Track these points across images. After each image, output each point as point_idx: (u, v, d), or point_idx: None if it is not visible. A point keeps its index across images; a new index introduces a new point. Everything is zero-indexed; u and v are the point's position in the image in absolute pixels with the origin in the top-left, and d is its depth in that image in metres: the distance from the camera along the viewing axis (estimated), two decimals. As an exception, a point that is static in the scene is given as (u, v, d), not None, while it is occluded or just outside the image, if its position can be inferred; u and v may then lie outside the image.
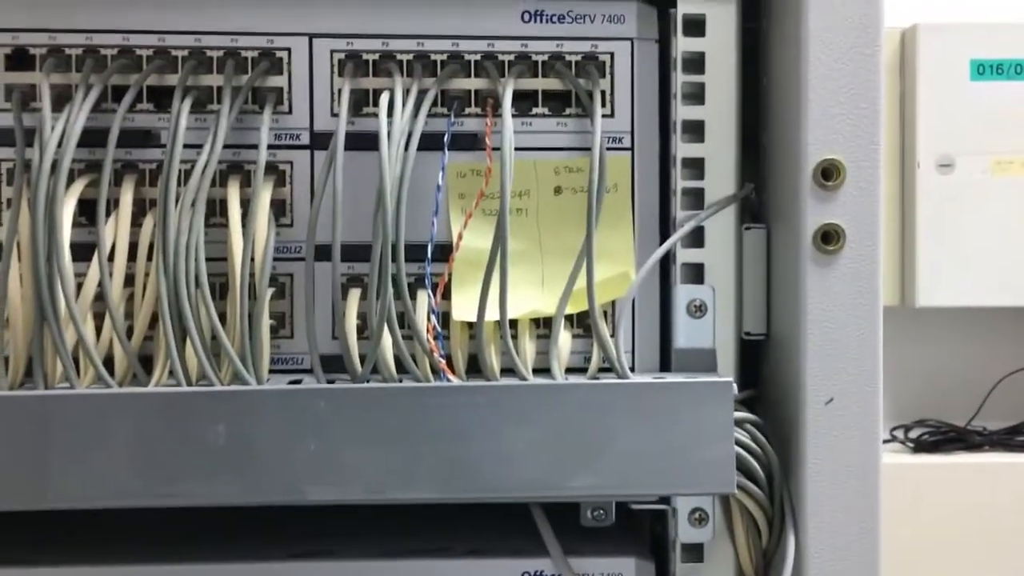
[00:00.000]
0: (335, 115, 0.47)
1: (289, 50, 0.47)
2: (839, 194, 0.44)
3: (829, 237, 0.44)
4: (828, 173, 0.44)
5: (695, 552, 0.49)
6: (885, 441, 0.84)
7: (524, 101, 0.47)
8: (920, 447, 0.90)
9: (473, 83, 0.47)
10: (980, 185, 1.18)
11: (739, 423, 0.45)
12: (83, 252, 0.44)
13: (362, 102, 0.47)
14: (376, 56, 0.47)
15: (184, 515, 0.51)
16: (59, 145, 0.43)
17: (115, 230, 0.45)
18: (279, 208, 0.47)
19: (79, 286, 0.44)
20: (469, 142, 0.47)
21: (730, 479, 0.43)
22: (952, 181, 1.15)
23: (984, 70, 1.17)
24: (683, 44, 0.48)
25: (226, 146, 0.45)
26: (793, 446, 0.46)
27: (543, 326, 0.47)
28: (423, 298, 0.46)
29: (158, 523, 0.52)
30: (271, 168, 0.46)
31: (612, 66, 0.48)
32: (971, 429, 0.97)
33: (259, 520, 0.51)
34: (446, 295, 0.46)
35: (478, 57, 0.47)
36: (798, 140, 0.44)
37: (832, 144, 0.44)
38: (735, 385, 0.43)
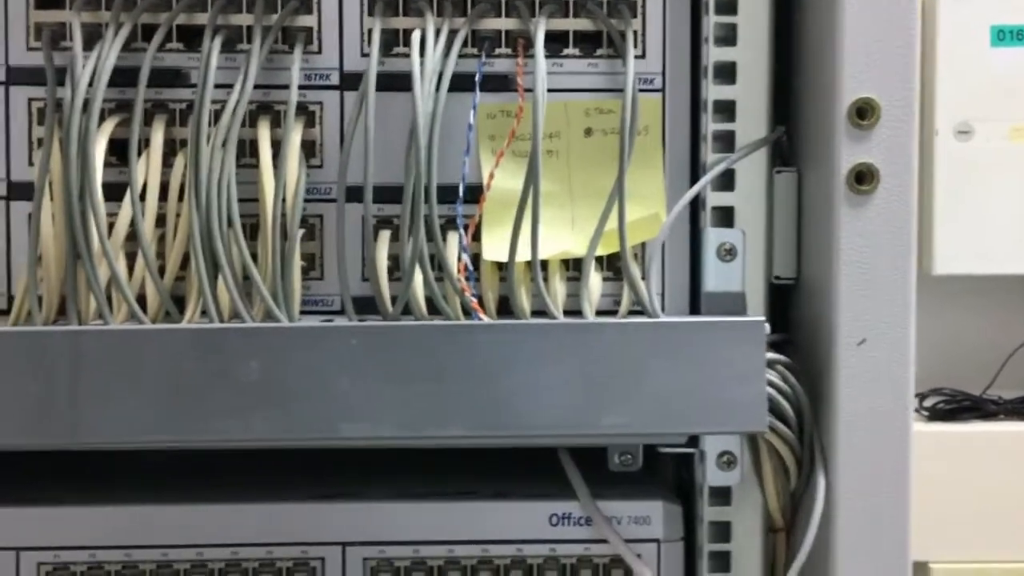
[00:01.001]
0: (365, 55, 0.46)
1: (319, -11, 0.46)
2: (873, 133, 0.44)
3: (863, 177, 0.44)
4: (863, 112, 0.44)
5: (723, 496, 0.49)
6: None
7: (555, 42, 0.47)
8: (935, 415, 0.90)
9: (504, 23, 0.47)
10: (998, 152, 1.17)
11: (770, 364, 0.45)
12: (115, 192, 0.44)
13: (392, 42, 0.46)
14: (406, -5, 0.47)
15: (214, 455, 0.51)
16: (90, 84, 0.43)
17: (146, 169, 0.44)
18: (309, 149, 0.46)
19: (111, 225, 0.44)
20: (500, 83, 0.47)
21: (762, 418, 0.43)
22: (970, 148, 1.14)
23: (1004, 36, 1.16)
24: (715, -16, 0.47)
25: (256, 86, 0.45)
26: (824, 388, 0.46)
27: (573, 268, 0.47)
28: (454, 239, 0.45)
29: (188, 462, 0.52)
30: (301, 109, 0.46)
31: (644, 6, 0.47)
32: (987, 398, 0.96)
33: (287, 461, 0.51)
34: (476, 236, 0.46)
35: (508, -3, 0.47)
36: (832, 79, 0.44)
37: (867, 83, 0.44)
38: (767, 324, 0.43)
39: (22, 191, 0.45)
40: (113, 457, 0.50)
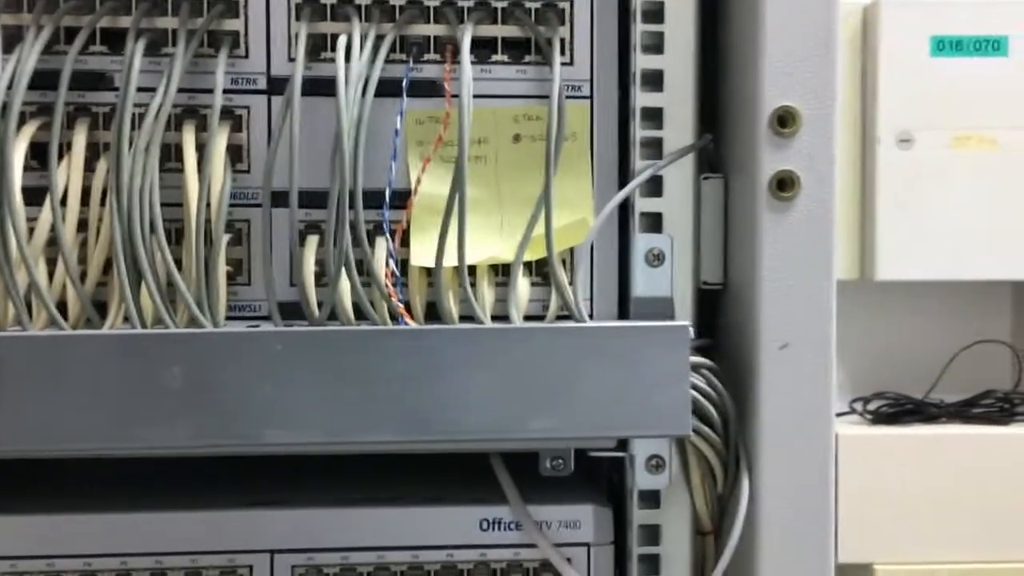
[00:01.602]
0: (292, 60, 0.46)
1: (246, -7, 0.46)
2: (795, 141, 0.45)
3: (785, 184, 0.45)
4: (784, 120, 0.44)
5: (652, 499, 0.49)
6: (843, 414, 0.85)
7: (483, 48, 0.47)
8: (878, 419, 0.91)
9: (432, 29, 0.47)
10: (940, 160, 1.19)
11: (695, 368, 0.46)
12: (35, 196, 0.44)
13: (320, 47, 0.46)
14: (334, 0, 0.46)
15: (139, 463, 0.50)
16: (9, 87, 0.42)
17: (68, 174, 0.44)
18: (235, 153, 0.46)
19: (31, 230, 0.43)
20: (428, 89, 0.47)
21: (686, 422, 0.43)
22: (912, 156, 1.16)
23: (944, 46, 1.19)
24: (642, -7, 0.48)
25: (181, 90, 0.44)
26: (749, 391, 0.46)
27: (502, 274, 0.47)
28: (381, 244, 0.45)
29: (113, 470, 0.52)
30: (227, 113, 0.46)
31: (572, 14, 0.47)
32: (928, 402, 0.98)
33: (213, 468, 0.51)
34: (404, 242, 0.46)
35: (437, 3, 0.47)
36: (754, 88, 0.45)
37: (788, 91, 0.44)
38: (691, 329, 0.44)
39: (-60, 195, 0.45)
40: (33, 465, 0.49)
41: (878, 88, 1.18)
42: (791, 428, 0.45)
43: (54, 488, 0.51)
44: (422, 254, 0.46)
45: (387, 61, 0.45)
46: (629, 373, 0.43)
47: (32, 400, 0.41)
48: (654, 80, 0.48)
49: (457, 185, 0.43)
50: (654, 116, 0.48)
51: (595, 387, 0.43)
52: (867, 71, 1.18)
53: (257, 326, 0.46)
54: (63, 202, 0.43)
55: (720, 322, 0.51)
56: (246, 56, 0.46)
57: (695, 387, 0.46)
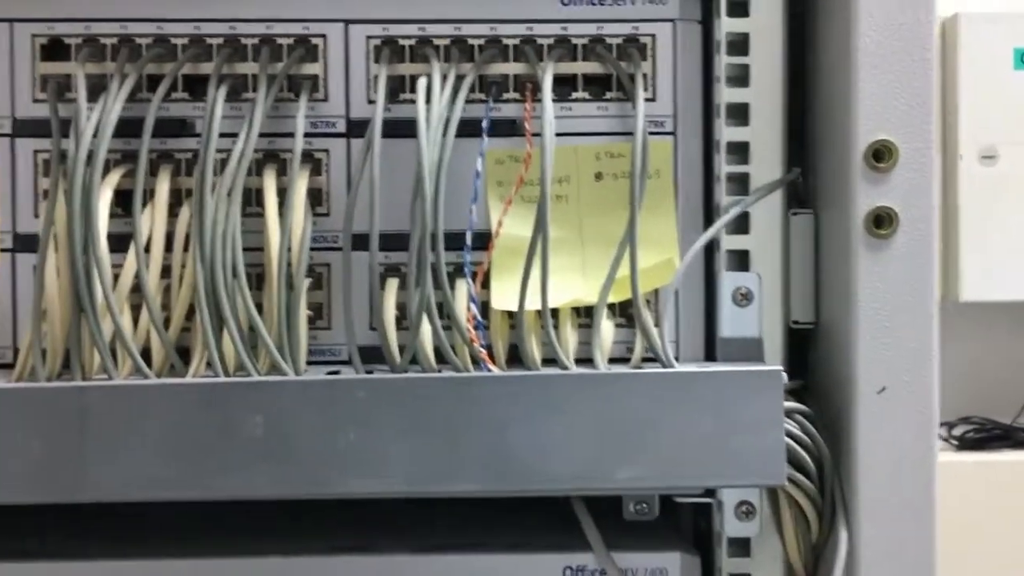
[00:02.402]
0: (372, 102, 0.46)
1: (324, 36, 0.46)
2: (891, 176, 0.43)
3: (881, 221, 0.43)
4: (880, 155, 0.43)
5: (742, 546, 0.47)
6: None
7: (563, 85, 0.46)
8: (965, 445, 0.88)
9: (511, 67, 0.46)
10: (1024, 176, 1.14)
11: (788, 413, 0.44)
12: (119, 243, 0.44)
13: (399, 89, 0.46)
14: (413, 41, 0.46)
15: (222, 508, 0.50)
16: (94, 135, 0.42)
17: (151, 220, 0.44)
18: (316, 197, 0.46)
19: (116, 277, 0.43)
20: (507, 128, 0.46)
21: (780, 471, 0.42)
22: (995, 172, 1.13)
23: (1028, 59, 1.15)
24: (727, 25, 0.46)
25: (262, 135, 0.44)
26: (844, 437, 0.44)
27: (584, 315, 0.46)
28: (462, 287, 0.45)
29: (196, 516, 0.52)
30: (307, 156, 0.46)
31: (654, 48, 0.46)
32: (1016, 426, 0.94)
33: (297, 512, 0.51)
34: (485, 284, 0.45)
35: (516, 41, 0.46)
36: (848, 121, 0.43)
37: (883, 124, 0.43)
38: (784, 374, 0.42)
39: (28, 243, 0.45)
40: (120, 510, 0.49)
41: (959, 103, 1.14)
42: (891, 476, 0.43)
43: (139, 533, 0.51)
44: (504, 297, 0.45)
45: (466, 101, 0.44)
46: (719, 420, 0.41)
47: (117, 447, 0.41)
48: (739, 113, 0.47)
49: (540, 226, 0.42)
50: (740, 150, 0.47)
51: (684, 434, 0.41)
52: (947, 86, 1.14)
53: (337, 371, 0.45)
54: (147, 249, 0.44)
55: (811, 361, 0.49)
56: (325, 99, 0.46)
57: (788, 433, 0.44)
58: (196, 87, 0.46)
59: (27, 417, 0.41)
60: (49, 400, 0.41)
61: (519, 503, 0.51)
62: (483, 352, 0.44)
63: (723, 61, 0.46)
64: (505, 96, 0.46)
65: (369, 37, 0.46)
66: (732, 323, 0.47)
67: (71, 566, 0.46)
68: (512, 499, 0.50)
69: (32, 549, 0.47)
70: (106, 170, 0.44)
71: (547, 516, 0.51)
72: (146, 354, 0.43)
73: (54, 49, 0.46)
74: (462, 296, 0.44)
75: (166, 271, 0.44)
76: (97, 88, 0.45)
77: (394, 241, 0.45)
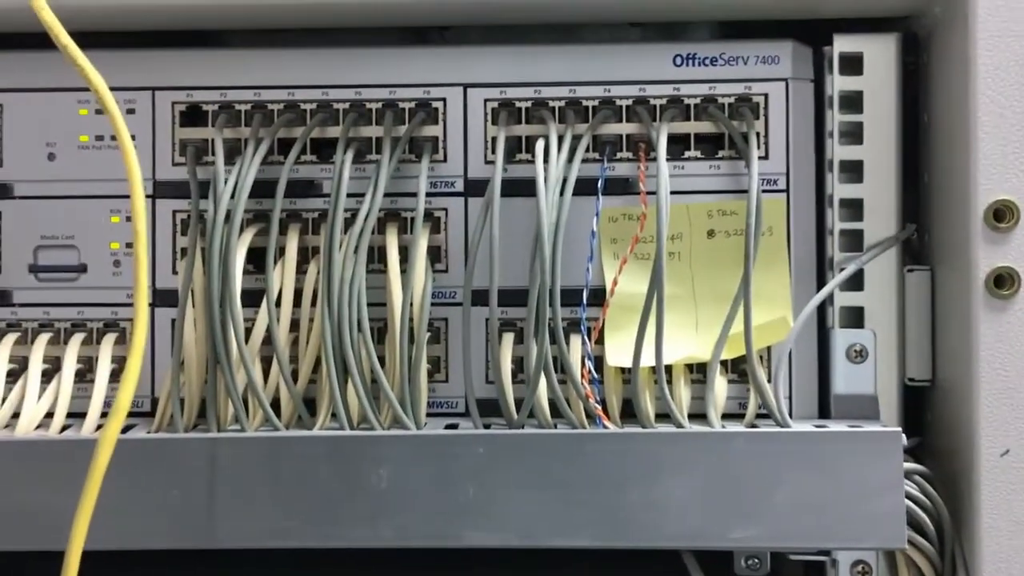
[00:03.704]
0: (488, 162, 0.48)
1: (444, 100, 0.48)
2: (1013, 236, 0.42)
3: (1003, 281, 0.42)
4: (1001, 214, 0.42)
5: (857, 607, 0.47)
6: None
7: (676, 144, 0.47)
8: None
9: (624, 128, 0.47)
10: None
11: (907, 474, 0.43)
12: (249, 298, 0.46)
13: (515, 149, 0.47)
14: (528, 104, 0.48)
15: (337, 552, 0.52)
16: (232, 197, 0.45)
17: (281, 276, 0.46)
18: (434, 254, 0.48)
19: (247, 331, 0.45)
20: (619, 186, 0.47)
21: (900, 534, 0.41)
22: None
23: None
24: (840, 83, 0.47)
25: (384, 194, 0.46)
26: (965, 499, 0.44)
27: (696, 371, 0.47)
28: (576, 342, 0.46)
29: (313, 560, 0.53)
30: (427, 215, 0.47)
31: (766, 107, 0.47)
32: None
33: (408, 558, 0.52)
34: (598, 340, 0.46)
35: (630, 102, 0.47)
36: (967, 180, 0.43)
37: (1004, 184, 0.42)
38: (903, 435, 0.42)
39: (166, 298, 0.48)
40: (250, 554, 0.51)
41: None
42: (1014, 539, 0.42)
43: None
44: (618, 353, 0.45)
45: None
46: (837, 481, 0.41)
47: (249, 496, 0.43)
48: (853, 170, 0.47)
49: (656, 284, 0.43)
50: (853, 206, 0.47)
51: (800, 494, 0.41)
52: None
53: (456, 424, 0.46)
54: (277, 303, 0.46)
55: (928, 419, 0.49)
56: (444, 160, 0.48)
57: (907, 494, 0.43)
58: (321, 149, 0.48)
59: (166, 466, 0.43)
60: (189, 450, 0.43)
61: (625, 553, 0.51)
62: (599, 408, 0.44)
63: (836, 118, 0.47)
64: (617, 155, 0.47)
65: (487, 100, 0.48)
66: (846, 380, 0.47)
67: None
68: (620, 550, 0.51)
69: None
70: (240, 230, 0.46)
71: (654, 566, 0.51)
72: (274, 406, 0.45)
73: (192, 115, 0.48)
74: (576, 351, 0.45)
75: (293, 325, 0.46)
76: (232, 151, 0.47)
77: (508, 296, 0.46)
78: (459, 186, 0.48)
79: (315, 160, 0.48)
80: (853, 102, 0.47)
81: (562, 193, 0.44)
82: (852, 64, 0.47)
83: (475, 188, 0.48)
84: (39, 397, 0.46)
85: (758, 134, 0.47)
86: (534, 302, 0.43)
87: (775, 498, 0.41)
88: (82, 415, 0.46)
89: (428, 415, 0.47)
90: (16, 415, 0.46)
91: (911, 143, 0.48)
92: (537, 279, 0.43)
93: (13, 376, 0.47)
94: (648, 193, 0.46)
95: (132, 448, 0.42)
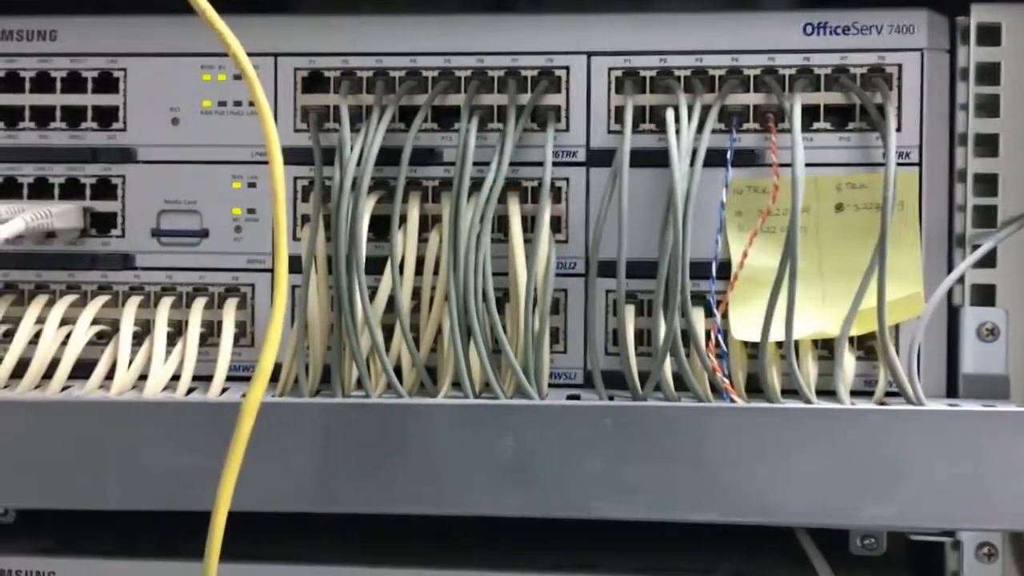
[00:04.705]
0: (612, 132, 0.47)
1: (568, 68, 0.47)
2: None
3: None
4: None
5: (980, 589, 0.46)
6: None
7: (805, 115, 0.46)
8: None
9: (752, 98, 0.46)
10: None
11: (1045, 456, 0.42)
12: (371, 266, 0.45)
13: (638, 119, 0.47)
14: (654, 72, 0.47)
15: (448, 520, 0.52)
16: (358, 164, 0.45)
17: (403, 244, 0.46)
18: (555, 224, 0.47)
19: (370, 297, 0.45)
20: (746, 158, 0.46)
21: (1039, 516, 0.40)
22: None
23: None
24: (976, 54, 0.45)
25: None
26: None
27: (822, 347, 0.46)
28: (700, 315, 0.45)
29: (421, 528, 0.54)
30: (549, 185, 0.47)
31: (900, 78, 0.46)
32: None
33: (524, 527, 0.52)
34: (724, 314, 0.45)
35: (758, 72, 0.46)
36: (1117, 155, 0.42)
37: None
38: (1043, 414, 0.41)
39: (288, 264, 0.48)
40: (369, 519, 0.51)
41: None
42: None
43: (375, 542, 0.53)
44: (744, 327, 0.45)
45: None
46: (971, 461, 0.40)
47: (374, 463, 0.43)
48: (988, 143, 0.46)
49: (789, 258, 0.42)
50: (988, 182, 0.46)
51: (933, 474, 0.41)
52: None
53: (577, 395, 0.46)
54: (400, 270, 0.45)
55: (1057, 401, 0.47)
56: (567, 129, 0.47)
57: (1044, 476, 0.42)
58: (442, 117, 0.48)
59: (291, 430, 0.43)
60: (314, 414, 0.43)
61: (741, 530, 0.51)
62: (727, 383, 0.44)
63: (971, 90, 0.46)
64: (744, 126, 0.46)
65: (611, 68, 0.47)
66: (976, 359, 0.46)
67: (317, 571, 0.49)
68: (726, 527, 0.50)
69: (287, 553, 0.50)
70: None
71: (769, 544, 0.51)
72: (397, 374, 0.45)
73: (313, 81, 0.48)
74: (702, 325, 0.45)
75: (414, 294, 0.46)
76: (353, 119, 0.47)
77: (629, 268, 0.45)
78: (581, 156, 0.47)
79: (436, 128, 0.48)
80: (990, 73, 0.46)
81: (692, 164, 0.43)
82: (990, 34, 0.45)
83: (597, 158, 0.47)
84: (165, 360, 0.46)
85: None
86: (664, 273, 0.43)
87: (907, 477, 0.41)
88: (206, 378, 0.46)
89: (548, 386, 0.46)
90: (143, 377, 0.46)
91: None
92: (668, 250, 0.43)
93: (137, 339, 0.47)
94: (781, 165, 0.45)
95: (261, 411, 0.42)
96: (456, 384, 0.45)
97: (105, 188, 0.49)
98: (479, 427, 0.42)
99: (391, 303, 0.45)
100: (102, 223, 0.49)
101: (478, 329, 0.44)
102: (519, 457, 0.42)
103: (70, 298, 0.48)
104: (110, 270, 0.48)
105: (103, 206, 0.49)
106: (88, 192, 0.49)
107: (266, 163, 0.48)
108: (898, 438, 0.41)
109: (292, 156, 0.48)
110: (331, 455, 0.43)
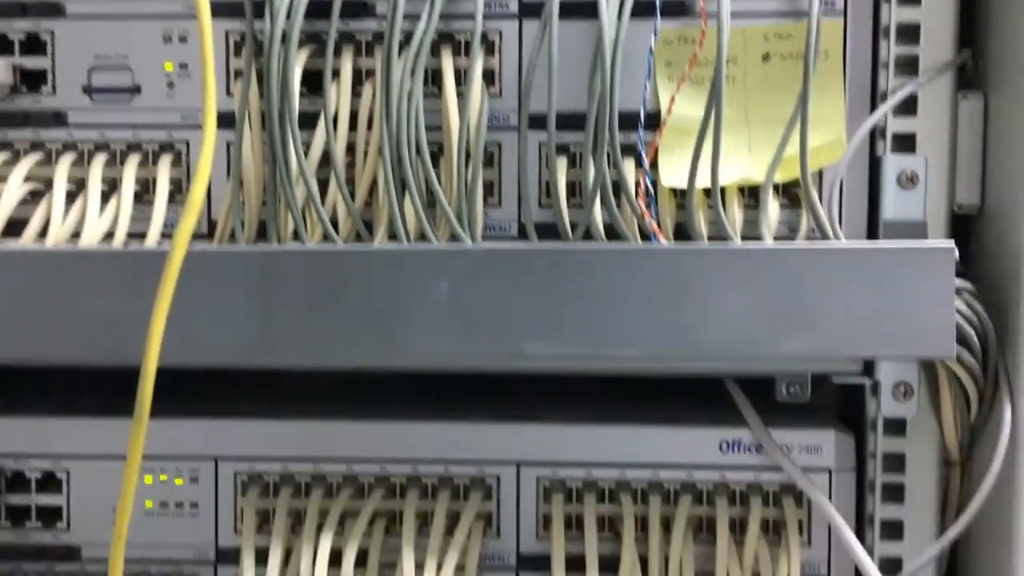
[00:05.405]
0: (544, -16, 0.47)
1: (499, -79, 0.47)
2: (1075, 53, 0.42)
3: (1062, 99, 0.42)
4: (1064, 31, 0.42)
5: (897, 427, 0.48)
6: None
7: (733, -34, 0.46)
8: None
9: (682, -51, 0.47)
10: None
11: (956, 291, 0.44)
12: (304, 121, 0.46)
13: (570, -30, 0.47)
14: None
15: (395, 376, 0.53)
16: (287, 16, 0.44)
17: (336, 99, 0.46)
18: (488, 78, 0.47)
19: (304, 151, 0.45)
20: (676, 8, 0.47)
21: (950, 344, 0.42)
22: None
23: None
24: (901, -96, 0.46)
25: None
26: (1011, 316, 0.45)
27: (748, 195, 0.47)
28: (629, 165, 0.46)
29: (371, 382, 0.55)
30: (482, 38, 0.47)
31: (827, -73, 0.46)
32: None
33: (466, 383, 0.53)
34: (652, 163, 0.46)
35: None
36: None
37: (1070, 0, 0.42)
38: (956, 251, 0.42)
39: (220, 120, 0.48)
40: (289, 376, 0.52)
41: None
42: (1059, 355, 0.44)
43: (314, 397, 0.54)
44: (673, 175, 0.46)
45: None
46: (890, 295, 0.42)
47: (309, 313, 0.43)
48: (911, -7, 0.46)
49: (714, 105, 0.43)
50: (909, 32, 0.47)
51: (854, 308, 0.42)
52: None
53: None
54: (333, 125, 0.46)
55: (972, 249, 0.49)
56: (499, -19, 0.47)
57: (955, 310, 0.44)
58: (375, -29, 0.48)
59: (228, 280, 0.43)
60: (243, 263, 0.43)
61: (674, 384, 0.52)
62: (654, 225, 0.45)
63: (895, -59, 0.46)
64: (674, -23, 0.47)
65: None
66: (896, 206, 0.47)
67: (258, 424, 0.50)
68: (669, 381, 0.52)
69: (223, 409, 0.51)
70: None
71: (700, 397, 0.53)
72: (333, 225, 0.46)
73: (242, -65, 0.48)
74: (633, 175, 0.46)
75: (349, 149, 0.46)
76: (284, -28, 0.46)
77: (561, 121, 0.46)
78: (513, 8, 0.47)
79: (368, -19, 0.48)
80: (913, -76, 0.46)
81: (620, 13, 0.44)
82: None
83: (529, 10, 0.47)
84: (100, 216, 0.46)
85: (818, -45, 0.46)
86: (592, 124, 0.44)
87: (829, 313, 0.42)
88: (140, 236, 0.47)
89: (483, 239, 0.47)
90: (75, 235, 0.46)
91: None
92: (595, 100, 0.43)
93: (71, 198, 0.47)
94: (710, 15, 0.45)
95: (197, 260, 0.43)
96: (392, 236, 0.45)
97: (34, 44, 0.48)
98: (414, 272, 0.43)
99: (326, 158, 0.45)
100: (32, 80, 0.48)
101: (412, 181, 0.44)
102: (452, 301, 0.43)
103: (2, 156, 0.48)
104: (42, 127, 0.48)
105: (32, 62, 0.48)
106: (17, 48, 0.48)
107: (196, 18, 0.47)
108: (819, 274, 0.42)
109: (222, 9, 0.47)
110: (268, 305, 0.43)
